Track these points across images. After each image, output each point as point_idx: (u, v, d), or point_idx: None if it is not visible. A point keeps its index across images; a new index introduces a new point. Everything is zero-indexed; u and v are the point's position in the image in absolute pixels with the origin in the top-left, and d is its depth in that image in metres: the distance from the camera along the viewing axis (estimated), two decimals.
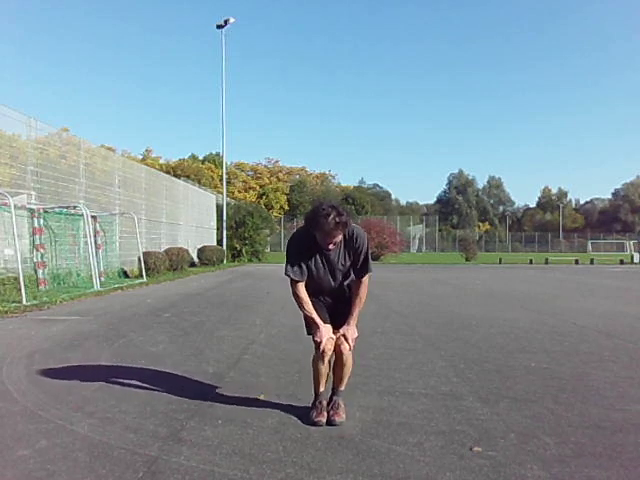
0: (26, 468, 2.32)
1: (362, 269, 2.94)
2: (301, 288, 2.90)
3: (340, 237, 2.79)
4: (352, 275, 3.01)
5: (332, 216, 2.64)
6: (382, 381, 3.81)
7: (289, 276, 2.87)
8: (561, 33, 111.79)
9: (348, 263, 2.94)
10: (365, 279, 2.97)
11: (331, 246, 2.80)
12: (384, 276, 15.89)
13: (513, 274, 18.98)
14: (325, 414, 2.92)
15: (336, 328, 2.98)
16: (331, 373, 3.07)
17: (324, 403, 2.99)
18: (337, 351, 2.98)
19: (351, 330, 2.92)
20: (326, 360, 2.93)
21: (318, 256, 2.89)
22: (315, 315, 2.88)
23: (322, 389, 3.03)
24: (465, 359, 4.57)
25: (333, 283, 2.97)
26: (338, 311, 3.03)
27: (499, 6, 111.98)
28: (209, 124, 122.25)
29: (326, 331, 2.86)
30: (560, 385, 3.74)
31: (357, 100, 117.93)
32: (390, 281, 14.02)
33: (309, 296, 2.93)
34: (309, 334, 2.97)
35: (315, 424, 2.85)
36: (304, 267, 2.87)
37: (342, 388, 3.09)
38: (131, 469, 2.30)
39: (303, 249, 2.86)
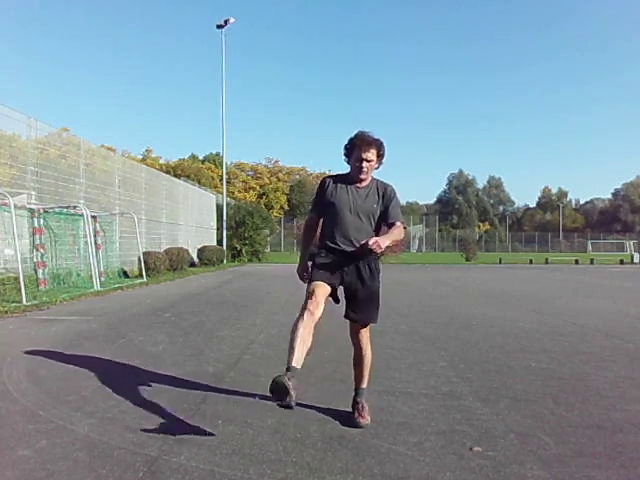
0: (26, 468, 2.32)
1: (393, 214, 2.95)
2: (312, 220, 3.13)
3: (374, 157, 2.91)
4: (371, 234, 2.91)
5: (370, 134, 2.95)
6: (382, 381, 3.80)
7: (310, 210, 3.15)
8: (561, 33, 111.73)
9: (378, 207, 2.95)
10: (399, 225, 2.91)
11: (365, 164, 2.88)
12: (384, 276, 15.84)
13: (513, 274, 18.98)
14: (293, 394, 2.28)
15: (354, 320, 2.97)
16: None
17: (292, 381, 2.31)
18: (355, 344, 3.02)
19: (384, 240, 2.69)
20: (306, 321, 2.58)
21: (345, 191, 2.95)
22: (306, 257, 3.12)
23: (295, 364, 2.45)
24: (465, 359, 4.57)
25: (355, 226, 2.88)
26: (357, 300, 2.90)
27: (499, 6, 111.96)
28: (209, 124, 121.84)
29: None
30: (560, 385, 3.74)
31: (357, 100, 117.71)
32: (390, 281, 14.01)
33: (324, 251, 2.94)
34: (310, 281, 2.86)
35: (282, 406, 2.33)
36: (320, 204, 3.02)
37: (364, 386, 3.05)
38: (131, 469, 2.30)
39: (330, 187, 2.99)
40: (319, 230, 3.11)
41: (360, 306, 2.95)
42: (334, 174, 3.18)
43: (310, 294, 2.74)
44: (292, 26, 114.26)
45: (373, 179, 3.03)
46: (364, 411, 2.94)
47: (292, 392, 2.27)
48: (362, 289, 2.93)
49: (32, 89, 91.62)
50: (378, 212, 2.96)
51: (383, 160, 3.00)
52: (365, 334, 3.02)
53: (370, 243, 2.64)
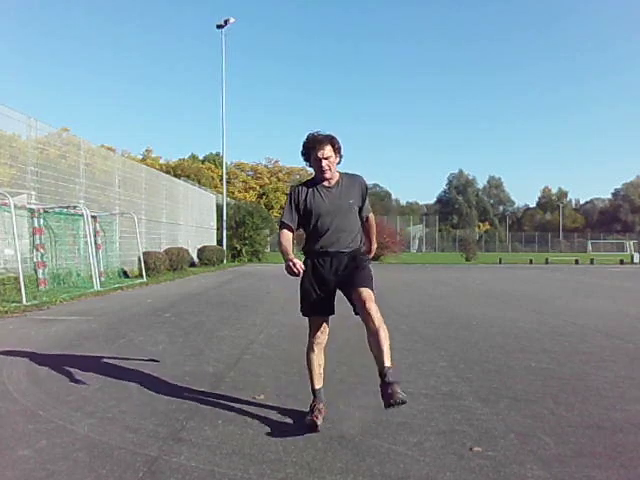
0: (26, 468, 2.32)
1: (365, 209, 3.11)
2: (286, 234, 2.98)
3: (331, 153, 2.89)
4: (358, 230, 3.03)
5: (320, 132, 2.95)
6: None
7: (282, 222, 2.98)
8: (561, 33, 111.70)
9: (356, 201, 2.98)
10: (371, 217, 3.21)
11: (324, 162, 2.86)
12: (384, 276, 15.87)
13: (513, 274, 18.98)
14: (320, 417, 2.85)
15: (356, 286, 2.77)
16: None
17: (320, 406, 2.93)
18: (367, 320, 2.66)
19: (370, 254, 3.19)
20: (316, 350, 2.96)
21: (319, 195, 2.94)
22: (291, 254, 2.80)
23: (318, 386, 2.99)
24: (465, 359, 4.57)
25: (340, 225, 2.91)
26: (350, 274, 2.87)
27: (499, 6, 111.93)
28: (209, 124, 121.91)
29: (300, 265, 2.78)
30: (560, 385, 3.74)
31: (357, 100, 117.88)
32: (390, 281, 14.01)
33: (313, 256, 2.96)
34: (303, 313, 3.00)
35: (309, 428, 2.80)
36: (295, 214, 2.96)
37: (388, 364, 2.63)
38: (131, 469, 2.31)
39: (302, 196, 2.96)
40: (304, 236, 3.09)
41: (352, 278, 2.84)
42: (300, 183, 3.13)
43: (313, 330, 2.98)
44: (292, 26, 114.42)
45: (340, 174, 3.02)
46: (397, 385, 2.51)
47: (320, 422, 2.81)
48: (349, 269, 2.91)
49: (32, 89, 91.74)
50: (357, 205, 3.01)
51: (342, 153, 2.99)
52: (373, 305, 2.70)
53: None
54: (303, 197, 2.95)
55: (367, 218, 3.18)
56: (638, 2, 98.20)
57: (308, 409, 2.94)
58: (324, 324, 2.99)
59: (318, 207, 2.91)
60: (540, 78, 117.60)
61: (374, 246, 3.29)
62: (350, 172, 3.09)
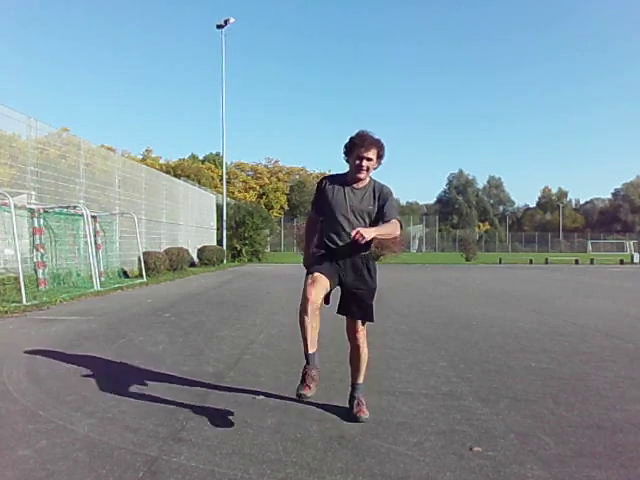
0: (26, 468, 2.32)
1: (388, 213, 2.94)
2: (309, 220, 3.29)
3: (374, 156, 2.92)
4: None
5: (371, 133, 2.96)
6: (382, 381, 3.80)
7: (311, 209, 3.22)
8: (561, 33, 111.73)
9: (374, 208, 2.96)
10: (394, 221, 2.92)
11: (365, 162, 2.90)
12: (384, 276, 15.85)
13: (513, 274, 18.98)
14: (312, 387, 2.65)
15: (353, 317, 3.01)
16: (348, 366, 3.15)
17: (313, 373, 2.69)
18: (352, 342, 3.06)
19: (369, 231, 2.68)
20: (309, 310, 2.68)
21: (342, 192, 2.98)
22: (307, 249, 3.28)
23: (311, 350, 2.72)
24: (465, 359, 4.57)
25: (350, 228, 2.86)
26: (356, 298, 2.96)
27: (499, 6, 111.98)
28: (209, 124, 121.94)
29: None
30: (560, 385, 3.74)
31: (357, 100, 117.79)
32: (390, 281, 14.00)
33: (323, 251, 3.00)
34: (309, 273, 2.90)
35: (299, 397, 2.64)
36: (319, 203, 3.07)
37: (360, 381, 3.10)
38: (131, 469, 2.31)
39: (328, 187, 3.03)
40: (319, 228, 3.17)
41: (359, 304, 2.98)
42: (332, 174, 3.19)
43: (309, 284, 2.78)
44: (292, 26, 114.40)
45: (371, 180, 3.04)
46: (362, 405, 2.99)
47: (311, 393, 2.69)
48: (361, 287, 2.98)
49: (32, 89, 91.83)
50: (374, 212, 2.99)
51: (382, 161, 3.02)
52: (362, 332, 3.05)
53: (353, 234, 2.66)
54: (329, 189, 3.02)
55: (390, 221, 2.93)
56: (638, 2, 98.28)
57: (300, 378, 2.72)
58: (322, 285, 2.79)
59: (337, 202, 2.96)
60: (540, 78, 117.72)
61: (378, 232, 2.77)
62: (381, 182, 3.07)
